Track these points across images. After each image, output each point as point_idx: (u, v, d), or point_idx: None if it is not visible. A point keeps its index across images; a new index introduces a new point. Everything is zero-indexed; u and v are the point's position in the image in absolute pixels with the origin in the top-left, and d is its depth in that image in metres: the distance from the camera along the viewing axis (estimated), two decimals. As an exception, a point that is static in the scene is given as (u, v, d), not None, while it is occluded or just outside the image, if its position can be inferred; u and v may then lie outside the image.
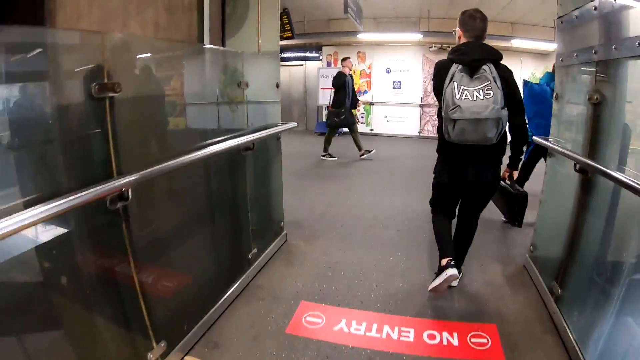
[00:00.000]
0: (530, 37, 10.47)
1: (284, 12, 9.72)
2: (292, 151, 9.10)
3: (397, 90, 12.54)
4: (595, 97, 2.40)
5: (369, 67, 12.66)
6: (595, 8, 2.45)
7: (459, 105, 2.42)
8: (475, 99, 2.41)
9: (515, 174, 3.07)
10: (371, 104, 12.75)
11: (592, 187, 2.46)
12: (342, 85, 7.88)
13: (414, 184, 6.17)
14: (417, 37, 10.80)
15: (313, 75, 13.06)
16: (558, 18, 3.09)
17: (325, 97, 12.45)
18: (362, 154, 8.25)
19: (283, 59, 13.49)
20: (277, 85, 3.70)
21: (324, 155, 8.41)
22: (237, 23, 3.67)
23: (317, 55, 13.13)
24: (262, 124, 3.41)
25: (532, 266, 3.28)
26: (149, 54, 2.18)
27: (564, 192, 2.84)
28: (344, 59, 8.30)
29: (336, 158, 8.31)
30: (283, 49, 13.25)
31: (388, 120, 12.69)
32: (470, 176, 2.70)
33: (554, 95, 3.18)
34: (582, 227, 2.53)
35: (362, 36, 10.91)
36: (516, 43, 10.63)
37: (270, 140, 3.64)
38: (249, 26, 3.64)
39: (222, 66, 2.92)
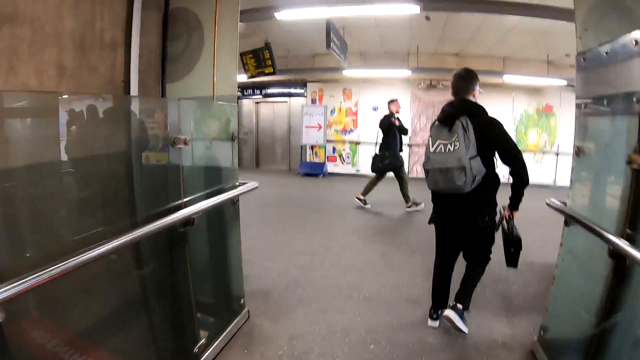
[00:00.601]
0: (522, 73, 9.99)
1: (266, 47, 9.17)
2: (270, 195, 8.44)
3: None
4: (638, 162, 1.80)
5: (356, 105, 12.12)
6: (637, 42, 1.83)
7: (429, 157, 2.76)
8: (447, 151, 2.65)
9: (516, 214, 2.90)
10: (357, 143, 12.16)
11: (632, 278, 1.86)
12: (389, 128, 7.12)
13: (410, 241, 5.46)
14: (406, 73, 10.24)
15: (297, 112, 12.49)
16: (578, 55, 2.46)
17: (310, 136, 11.89)
18: (409, 206, 7.35)
19: (267, 95, 13.06)
20: (233, 138, 3.00)
21: (362, 201, 7.59)
22: (185, 63, 3.00)
23: (302, 91, 12.62)
24: (210, 187, 2.71)
25: (542, 354, 2.60)
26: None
27: (589, 273, 2.28)
28: (391, 101, 7.37)
29: (369, 205, 7.53)
30: (267, 84, 12.82)
31: None
32: (453, 222, 2.93)
33: (574, 150, 2.52)
34: (616, 321, 1.98)
35: (348, 72, 10.36)
36: (508, 78, 10.17)
37: (224, 206, 2.92)
38: (203, 67, 2.99)
39: (138, 120, 2.20)
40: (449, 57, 10.41)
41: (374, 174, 7.57)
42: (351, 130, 12.17)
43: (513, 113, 11.71)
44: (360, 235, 5.79)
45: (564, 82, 10.17)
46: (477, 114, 2.75)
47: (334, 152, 12.35)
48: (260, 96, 13.36)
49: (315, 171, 11.84)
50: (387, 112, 7.34)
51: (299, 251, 4.98)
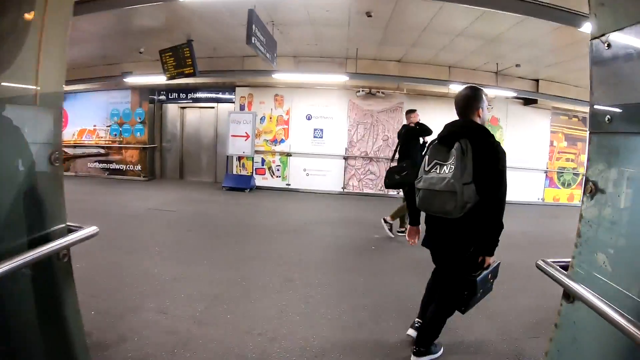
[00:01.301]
0: (469, 82, 9.48)
1: (187, 44, 8.02)
2: (185, 215, 7.29)
3: (319, 139, 11.10)
4: None
5: (287, 113, 11.14)
6: None
7: (422, 176, 2.68)
8: (441, 172, 2.56)
9: (488, 260, 2.68)
10: (288, 154, 11.17)
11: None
12: (410, 139, 6.27)
13: (369, 288, 4.39)
14: (343, 79, 9.41)
15: (225, 118, 11.30)
16: (595, 39, 1.60)
17: (237, 146, 10.79)
18: (394, 229, 6.47)
19: (194, 99, 11.84)
20: (55, 160, 1.89)
21: (398, 231, 6.51)
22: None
23: (231, 96, 11.49)
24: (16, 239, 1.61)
25: None
26: None
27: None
28: (410, 111, 6.56)
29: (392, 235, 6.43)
30: (194, 88, 11.65)
31: (307, 174, 11.16)
32: (434, 243, 2.86)
33: (587, 188, 1.60)
34: None
35: (279, 76, 9.38)
36: (454, 88, 9.65)
37: (43, 266, 1.82)
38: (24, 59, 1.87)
39: None
40: (391, 63, 9.73)
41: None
42: (282, 141, 11.16)
43: (456, 124, 11.30)
44: (291, 271, 4.71)
45: (513, 94, 9.82)
46: (480, 137, 2.60)
47: (262, 164, 11.28)
48: (187, 100, 12.10)
49: (241, 185, 10.71)
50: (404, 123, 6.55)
51: (200, 294, 3.86)
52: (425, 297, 3.19)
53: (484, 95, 2.82)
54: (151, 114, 12.30)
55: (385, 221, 6.41)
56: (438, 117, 11.00)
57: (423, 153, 2.81)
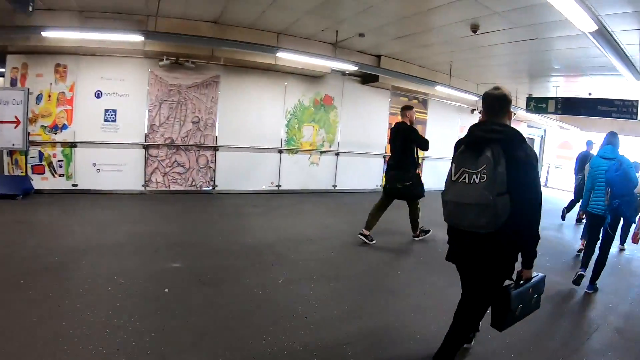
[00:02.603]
0: (301, 51, 7.85)
1: None
2: None
3: (111, 124, 8.33)
4: None
5: (71, 89, 8.12)
6: None
7: (449, 186, 2.51)
8: (471, 182, 2.37)
9: (526, 273, 2.59)
10: (72, 145, 8.19)
11: None
12: (406, 141, 5.96)
13: None
14: (138, 39, 6.91)
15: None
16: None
17: (3, 136, 7.60)
18: (418, 235, 6.45)
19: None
20: None
21: (419, 235, 6.49)
22: None
23: (2, 69, 8.14)
24: None
25: None
26: None
27: None
28: (406, 108, 6.33)
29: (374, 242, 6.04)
30: None
31: (98, 170, 8.34)
32: (464, 261, 2.68)
33: None
34: None
35: (51, 34, 6.60)
36: (284, 57, 8.04)
37: None
38: None
39: None
40: (203, 24, 7.64)
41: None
42: (64, 127, 8.11)
43: (284, 104, 9.68)
44: None
45: (353, 67, 8.50)
46: (514, 142, 2.41)
47: (41, 159, 8.11)
48: None
49: (11, 190, 7.51)
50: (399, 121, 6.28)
51: None
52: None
53: None
54: None
55: (362, 234, 6.04)
56: (265, 95, 9.38)
57: (451, 162, 2.55)
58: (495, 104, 2.57)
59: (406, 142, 5.93)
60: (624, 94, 9.58)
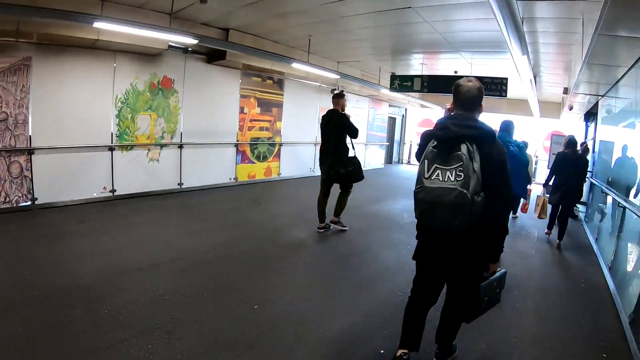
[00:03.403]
0: (131, 22, 6.13)
1: None
2: None
3: None
4: None
5: None
6: None
7: (423, 184, 2.36)
8: (445, 179, 2.28)
9: (493, 267, 2.64)
10: None
11: None
12: (340, 130, 6.09)
13: None
14: None
15: None
16: None
17: None
18: (336, 223, 6.56)
19: None
20: None
21: (337, 223, 6.57)
22: None
23: None
24: None
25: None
26: None
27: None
28: (340, 95, 6.31)
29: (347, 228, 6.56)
30: None
31: None
32: (437, 259, 2.62)
33: None
34: None
35: None
36: (106, 30, 6.35)
37: None
38: None
39: None
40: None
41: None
42: None
43: (114, 89, 7.72)
44: None
45: (193, 40, 6.92)
46: (488, 140, 2.39)
47: None
48: None
49: None
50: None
51: None
52: (412, 323, 2.75)
53: None
54: None
55: (334, 222, 6.51)
56: (89, 79, 7.46)
57: (422, 156, 2.42)
58: (473, 98, 2.48)
59: (342, 130, 6.08)
60: (493, 72, 9.76)
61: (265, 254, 5.27)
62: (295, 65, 9.09)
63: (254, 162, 10.62)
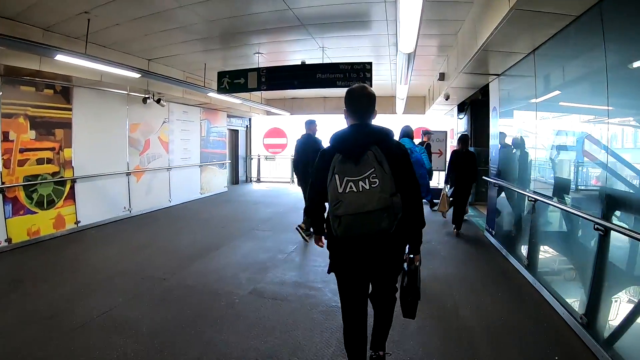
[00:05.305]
0: None
1: None
2: None
3: None
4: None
5: None
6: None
7: (341, 200, 2.28)
8: (360, 189, 2.24)
9: (417, 258, 2.62)
10: None
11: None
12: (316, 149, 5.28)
13: None
14: None
15: None
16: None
17: None
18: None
19: None
20: None
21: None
22: None
23: None
24: None
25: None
26: None
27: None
28: (312, 122, 6.99)
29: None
30: None
31: None
32: (364, 266, 2.53)
33: None
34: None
35: None
36: None
37: None
38: None
39: None
40: None
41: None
42: None
43: None
44: None
45: None
46: (386, 140, 2.44)
47: None
48: None
49: None
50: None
51: None
52: (356, 338, 2.69)
53: None
54: None
55: (301, 228, 6.67)
56: None
57: (331, 173, 2.35)
58: (371, 105, 2.50)
59: (316, 153, 5.15)
60: (352, 58, 7.74)
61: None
62: (60, 57, 5.67)
63: (34, 212, 7.02)
